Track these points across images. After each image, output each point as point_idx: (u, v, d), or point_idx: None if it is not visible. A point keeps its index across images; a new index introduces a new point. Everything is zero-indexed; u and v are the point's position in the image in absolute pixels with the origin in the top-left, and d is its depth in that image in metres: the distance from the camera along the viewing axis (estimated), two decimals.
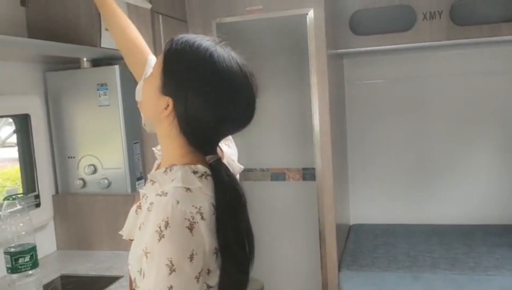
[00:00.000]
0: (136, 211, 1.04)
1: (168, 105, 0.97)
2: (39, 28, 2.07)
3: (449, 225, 3.52)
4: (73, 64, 2.21)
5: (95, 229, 2.20)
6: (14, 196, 1.64)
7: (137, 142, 2.24)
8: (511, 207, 3.46)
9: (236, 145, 1.21)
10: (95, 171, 2.19)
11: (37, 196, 2.12)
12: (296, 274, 3.12)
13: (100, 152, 2.18)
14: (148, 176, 1.03)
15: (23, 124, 2.10)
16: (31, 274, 1.65)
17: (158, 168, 1.08)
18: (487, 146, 3.51)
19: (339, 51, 3.19)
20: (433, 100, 3.55)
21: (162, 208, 0.89)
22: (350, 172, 3.75)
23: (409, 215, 3.64)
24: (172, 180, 0.95)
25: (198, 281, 0.89)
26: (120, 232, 1.09)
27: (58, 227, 2.24)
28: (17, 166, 2.13)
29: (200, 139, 0.99)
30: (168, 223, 0.87)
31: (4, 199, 1.64)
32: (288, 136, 3.12)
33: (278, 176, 3.13)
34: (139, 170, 2.25)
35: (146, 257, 0.89)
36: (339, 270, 2.94)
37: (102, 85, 2.14)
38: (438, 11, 2.99)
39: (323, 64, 2.81)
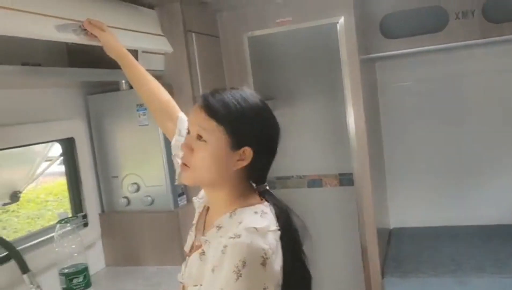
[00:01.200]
0: (200, 258, 1.11)
1: (241, 155, 1.08)
2: (78, 53, 2.14)
3: (491, 225, 3.42)
4: (113, 86, 2.29)
5: (141, 245, 2.26)
6: (66, 219, 1.71)
7: None
8: None
9: None
10: (138, 189, 2.25)
11: (85, 216, 2.20)
12: (339, 282, 3.10)
13: (142, 170, 2.25)
14: (215, 223, 1.11)
15: (68, 147, 2.18)
16: None
17: (201, 216, 1.22)
18: None
19: (371, 56, 3.17)
20: (469, 100, 3.47)
21: (238, 249, 0.96)
22: (388, 175, 3.72)
23: (450, 216, 3.56)
24: (240, 223, 1.02)
25: None
26: (180, 280, 1.18)
27: (105, 245, 2.32)
28: (58, 180, 2.19)
29: (265, 172, 1.16)
30: (245, 263, 0.94)
31: (57, 223, 1.71)
32: (324, 143, 3.11)
33: (314, 182, 3.13)
34: (180, 187, 2.30)
35: None
36: (382, 277, 2.91)
37: (141, 105, 2.21)
38: (471, 10, 2.94)
39: (356, 69, 2.80)
